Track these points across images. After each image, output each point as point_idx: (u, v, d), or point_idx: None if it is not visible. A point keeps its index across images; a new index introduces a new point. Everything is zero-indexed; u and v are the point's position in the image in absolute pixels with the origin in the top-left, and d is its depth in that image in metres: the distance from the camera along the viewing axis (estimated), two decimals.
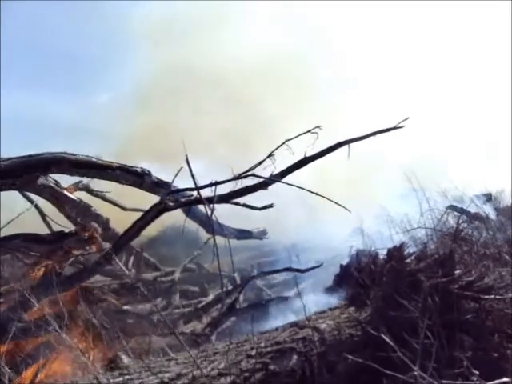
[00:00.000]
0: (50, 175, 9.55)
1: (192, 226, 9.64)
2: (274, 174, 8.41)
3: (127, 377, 4.64)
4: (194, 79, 19.63)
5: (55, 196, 9.53)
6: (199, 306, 10.57)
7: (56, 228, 10.81)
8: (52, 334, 5.48)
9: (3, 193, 9.24)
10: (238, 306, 10.31)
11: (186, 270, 12.22)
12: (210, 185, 8.14)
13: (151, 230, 9.13)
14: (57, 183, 9.53)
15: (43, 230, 10.61)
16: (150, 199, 9.89)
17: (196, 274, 12.56)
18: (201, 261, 12.48)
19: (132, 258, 11.40)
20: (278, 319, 8.29)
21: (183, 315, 10.05)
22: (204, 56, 19.89)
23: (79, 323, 5.41)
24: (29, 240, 8.80)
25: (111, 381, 4.44)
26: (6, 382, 4.52)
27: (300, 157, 8.51)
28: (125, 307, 9.07)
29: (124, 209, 12.59)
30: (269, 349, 5.42)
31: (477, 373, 4.36)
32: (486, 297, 5.65)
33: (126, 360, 5.19)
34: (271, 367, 5.26)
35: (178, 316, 9.81)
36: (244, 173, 8.47)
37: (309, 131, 8.42)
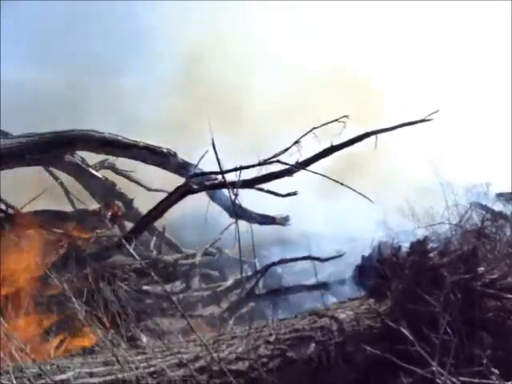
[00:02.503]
0: (77, 152, 9.63)
1: (214, 209, 9.64)
2: (299, 161, 8.41)
3: (146, 356, 4.68)
4: (220, 65, 19.68)
5: (80, 173, 9.61)
6: (218, 290, 10.59)
7: (79, 206, 10.90)
8: (72, 310, 5.51)
9: (29, 168, 9.33)
10: (257, 292, 10.34)
11: (206, 254, 12.22)
12: (235, 169, 8.15)
13: (173, 211, 9.14)
14: (83, 160, 9.61)
15: (67, 207, 10.69)
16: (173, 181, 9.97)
17: (216, 259, 12.57)
18: (221, 245, 12.48)
19: (154, 239, 11.44)
20: (296, 307, 8.30)
21: (202, 298, 10.09)
22: (234, 41, 19.89)
23: (99, 301, 5.45)
24: (53, 216, 8.89)
25: (130, 359, 4.46)
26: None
27: (326, 145, 8.50)
28: (144, 287, 9.12)
29: (148, 189, 12.64)
30: (287, 336, 5.42)
31: (496, 372, 4.32)
32: (509, 296, 5.62)
33: (144, 339, 5.23)
34: (289, 354, 5.27)
35: (197, 299, 9.84)
36: (269, 159, 8.47)
37: (336, 120, 8.40)
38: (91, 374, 4.37)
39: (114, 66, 19.32)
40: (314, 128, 8.44)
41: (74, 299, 4.58)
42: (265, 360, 5.11)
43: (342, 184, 7.96)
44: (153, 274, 5.15)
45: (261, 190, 8.76)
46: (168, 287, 9.49)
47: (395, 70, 19.07)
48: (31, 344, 4.69)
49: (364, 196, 8.00)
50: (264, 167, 8.53)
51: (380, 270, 6.30)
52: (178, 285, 9.99)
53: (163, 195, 9.67)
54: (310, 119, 8.86)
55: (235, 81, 18.99)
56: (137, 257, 5.54)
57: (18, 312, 5.20)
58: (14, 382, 4.00)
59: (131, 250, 6.92)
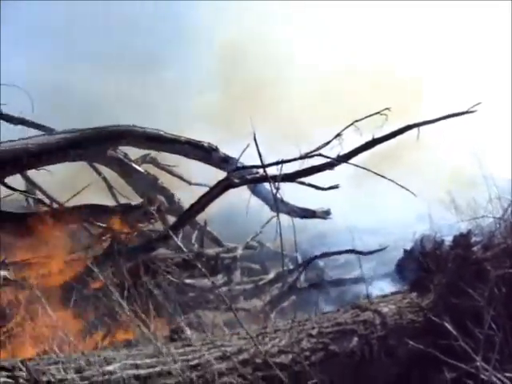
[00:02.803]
0: (119, 147, 9.74)
1: (256, 203, 9.66)
2: (340, 154, 8.38)
3: (189, 348, 4.72)
4: (257, 62, 19.74)
5: (123, 168, 9.71)
6: (260, 283, 10.62)
7: (121, 200, 11.02)
8: (115, 303, 5.60)
9: (72, 164, 9.46)
10: (298, 286, 10.35)
11: (247, 248, 12.26)
12: (276, 163, 8.17)
13: (215, 205, 9.20)
14: (125, 155, 9.71)
15: (109, 202, 10.81)
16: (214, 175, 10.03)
17: (257, 252, 12.60)
18: (263, 239, 12.50)
19: (195, 233, 11.51)
20: (338, 300, 8.30)
21: (244, 292, 10.13)
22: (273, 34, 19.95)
23: (142, 294, 5.52)
24: (96, 211, 9.00)
25: (174, 351, 4.51)
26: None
27: (368, 138, 8.46)
28: (187, 281, 9.20)
29: (189, 183, 12.72)
30: (330, 329, 5.41)
31: None
32: None
33: (188, 332, 5.29)
34: (331, 348, 5.26)
35: (239, 292, 9.89)
36: (311, 152, 8.46)
37: (378, 113, 8.36)
38: (136, 366, 4.42)
39: (155, 62, 19.48)
40: (356, 121, 8.41)
41: (116, 293, 4.63)
42: (307, 353, 5.11)
43: (383, 177, 7.93)
44: (200, 266, 5.17)
45: (302, 183, 8.76)
46: (210, 281, 9.52)
47: (432, 65, 18.92)
48: (78, 335, 4.76)
49: (406, 189, 7.96)
50: (305, 161, 8.54)
51: (423, 264, 6.26)
52: (220, 278, 10.03)
53: (204, 189, 9.75)
54: (349, 113, 8.84)
55: (272, 76, 19.05)
56: (184, 249, 5.58)
57: (64, 304, 5.30)
58: (63, 372, 4.08)
59: (179, 243, 6.99)
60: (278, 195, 8.51)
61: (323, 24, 20.58)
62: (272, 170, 8.25)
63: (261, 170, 8.70)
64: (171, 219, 10.36)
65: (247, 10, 19.88)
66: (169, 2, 19.65)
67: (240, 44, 19.46)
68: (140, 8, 19.16)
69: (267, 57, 19.87)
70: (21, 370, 4.05)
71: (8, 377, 4.01)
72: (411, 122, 8.38)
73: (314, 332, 5.35)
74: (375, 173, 7.95)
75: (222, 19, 20.09)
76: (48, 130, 9.97)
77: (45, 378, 4.04)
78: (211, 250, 11.36)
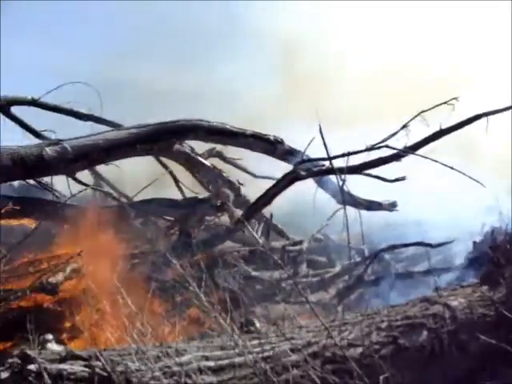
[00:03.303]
0: (186, 141, 9.84)
1: (322, 195, 9.63)
2: (407, 145, 8.29)
3: (260, 341, 4.75)
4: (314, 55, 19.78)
5: (190, 162, 9.80)
6: (326, 276, 10.59)
7: (188, 194, 11.13)
8: (189, 295, 5.67)
9: (139, 158, 9.61)
10: (365, 279, 10.28)
11: (313, 240, 12.25)
12: (343, 155, 8.14)
13: (280, 197, 9.23)
14: (192, 149, 9.80)
15: (176, 196, 10.93)
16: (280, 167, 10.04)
17: (323, 245, 12.56)
18: (328, 232, 12.46)
19: (261, 226, 11.55)
20: (406, 294, 8.20)
21: (310, 284, 10.12)
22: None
23: (213, 287, 5.57)
24: (164, 204, 9.14)
25: (244, 343, 4.55)
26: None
27: (435, 129, 8.34)
28: (254, 273, 9.25)
29: (255, 176, 12.77)
30: (399, 323, 5.36)
31: None
32: None
33: (258, 324, 5.31)
34: (401, 341, 5.21)
35: (305, 285, 9.88)
36: (377, 144, 8.40)
37: (445, 103, 8.23)
38: (207, 358, 4.48)
39: (214, 58, 19.64)
40: (423, 111, 8.30)
41: (193, 284, 4.70)
42: (377, 347, 5.07)
43: (452, 168, 7.80)
44: (276, 259, 5.19)
45: (368, 175, 8.71)
46: (276, 274, 9.55)
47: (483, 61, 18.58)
48: (151, 327, 4.84)
49: (475, 180, 7.82)
50: (371, 152, 8.48)
51: (493, 257, 6.14)
52: (286, 271, 10.04)
53: (270, 182, 9.78)
54: (412, 106, 8.74)
55: (332, 69, 19.03)
56: (260, 241, 5.62)
57: (137, 295, 5.40)
58: (137, 362, 4.16)
59: (255, 235, 7.02)
60: (344, 187, 8.50)
61: (373, 22, 20.50)
62: (338, 162, 8.24)
63: (327, 163, 8.70)
64: (237, 212, 10.42)
65: (301, 8, 19.96)
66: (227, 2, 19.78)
67: (294, 41, 19.53)
68: (201, 8, 19.34)
69: (320, 54, 19.90)
70: (97, 359, 4.16)
71: (85, 366, 4.12)
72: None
73: (384, 325, 5.30)
74: (443, 164, 7.83)
75: (277, 18, 20.16)
76: (116, 126, 10.15)
77: (120, 368, 4.13)
78: (277, 243, 11.39)
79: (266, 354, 4.59)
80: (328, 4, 19.59)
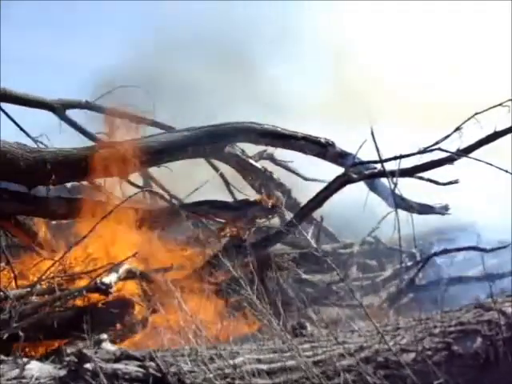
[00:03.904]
0: (237, 144, 9.89)
1: (373, 198, 9.58)
2: (460, 148, 8.18)
3: (311, 344, 4.74)
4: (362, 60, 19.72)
5: (241, 164, 9.85)
6: (377, 280, 10.51)
7: (238, 196, 11.17)
8: (241, 297, 5.70)
9: (191, 161, 9.70)
10: (417, 283, 10.18)
11: (364, 244, 12.18)
12: (394, 158, 8.07)
13: (331, 200, 9.20)
14: (243, 152, 9.84)
15: (227, 198, 10.98)
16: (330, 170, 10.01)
17: (374, 248, 12.48)
18: (379, 235, 12.38)
19: (311, 228, 11.53)
20: (458, 299, 8.09)
21: (361, 288, 10.06)
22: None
23: (264, 289, 5.58)
24: (215, 206, 9.17)
25: (296, 347, 4.54)
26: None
27: (489, 131, 8.20)
28: (305, 276, 9.24)
29: (305, 179, 12.76)
30: (452, 329, 5.27)
31: None
32: None
33: (310, 328, 5.31)
34: (454, 348, 5.12)
35: (356, 288, 9.82)
36: (429, 146, 8.31)
37: (499, 104, 8.08)
38: (259, 361, 4.49)
39: (264, 60, 19.69)
40: (476, 113, 8.17)
41: (246, 287, 4.72)
42: (430, 353, 5.00)
43: (506, 172, 7.66)
44: (330, 262, 5.18)
45: (421, 178, 8.62)
46: (327, 277, 9.53)
47: None
48: (206, 328, 4.88)
49: None
50: (424, 155, 8.38)
51: None
52: (336, 274, 9.99)
53: (320, 185, 9.76)
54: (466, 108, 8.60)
55: (383, 73, 18.93)
56: (313, 244, 5.61)
57: (190, 297, 5.46)
58: (190, 364, 4.20)
59: (308, 237, 7.02)
60: (396, 190, 8.42)
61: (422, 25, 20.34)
62: (390, 165, 8.17)
63: (378, 165, 8.64)
64: (288, 215, 10.43)
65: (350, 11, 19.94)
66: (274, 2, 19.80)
67: (346, 44, 19.50)
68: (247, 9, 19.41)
69: (372, 57, 19.83)
70: (151, 360, 4.21)
71: (139, 366, 4.18)
72: None
73: (437, 331, 5.23)
74: (497, 167, 7.70)
75: (329, 20, 20.14)
76: (168, 128, 10.27)
77: (173, 369, 4.17)
78: (327, 246, 11.37)
79: (317, 357, 4.58)
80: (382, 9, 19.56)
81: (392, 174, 8.08)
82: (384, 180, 8.93)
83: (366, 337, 5.03)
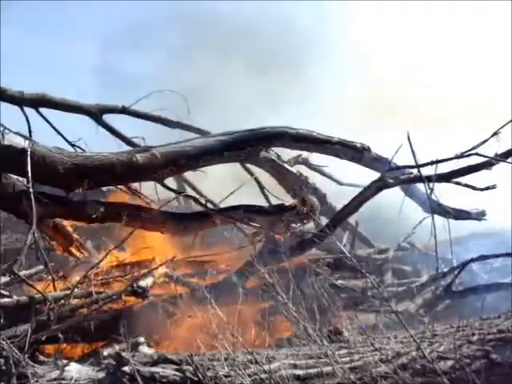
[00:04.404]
0: (272, 148, 9.88)
1: (408, 203, 9.51)
2: (498, 153, 8.10)
3: (348, 350, 4.72)
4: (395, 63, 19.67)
5: (276, 169, 9.83)
6: (412, 285, 10.40)
7: (273, 201, 11.16)
8: (273, 301, 5.70)
9: (228, 165, 9.71)
10: (454, 289, 10.05)
11: (399, 249, 12.09)
12: (431, 163, 8.02)
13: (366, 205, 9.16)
14: (278, 156, 9.82)
15: (261, 203, 10.98)
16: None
17: (409, 254, 12.39)
18: (415, 240, 12.28)
19: (346, 233, 11.49)
20: (496, 306, 7.99)
21: (396, 294, 9.97)
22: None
23: (300, 294, 5.59)
24: (251, 211, 9.17)
25: (332, 352, 4.53)
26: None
27: None
28: (340, 282, 9.19)
29: (340, 183, 12.72)
30: (491, 336, 5.21)
31: None
32: None
33: (346, 334, 5.28)
34: (493, 356, 5.06)
35: (391, 295, 9.75)
36: (467, 151, 8.23)
37: None
38: (295, 366, 4.48)
39: (300, 62, 19.69)
40: None
41: (281, 292, 4.72)
42: (468, 361, 4.95)
43: None
44: (362, 269, 5.17)
45: (458, 183, 8.53)
46: (361, 282, 9.48)
47: None
48: (240, 333, 4.89)
49: None
50: (461, 160, 8.31)
51: None
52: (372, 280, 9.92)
53: (355, 190, 9.71)
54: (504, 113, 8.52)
55: (419, 77, 18.84)
56: (347, 253, 5.60)
57: (227, 301, 5.48)
58: (226, 369, 4.21)
59: (343, 244, 6.98)
60: (433, 196, 8.36)
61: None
62: (427, 170, 8.12)
63: (415, 170, 8.58)
64: (324, 220, 10.39)
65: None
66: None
67: (383, 48, 19.45)
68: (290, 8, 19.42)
69: (408, 61, 19.75)
70: (188, 364, 4.23)
71: (176, 370, 4.21)
72: None
73: (475, 338, 5.17)
74: None
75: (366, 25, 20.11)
76: (204, 133, 10.31)
77: (210, 374, 4.19)
78: (362, 252, 11.30)
79: (354, 364, 4.56)
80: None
81: (428, 179, 8.02)
82: (420, 185, 8.88)
83: (402, 343, 5.00)
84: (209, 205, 9.74)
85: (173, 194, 9.46)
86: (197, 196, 9.87)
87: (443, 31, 20.21)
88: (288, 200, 9.78)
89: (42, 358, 4.61)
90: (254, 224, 9.36)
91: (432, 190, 8.11)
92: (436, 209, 8.56)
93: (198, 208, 9.65)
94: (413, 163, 8.32)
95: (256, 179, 11.19)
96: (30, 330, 4.36)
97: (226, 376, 4.16)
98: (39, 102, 9.50)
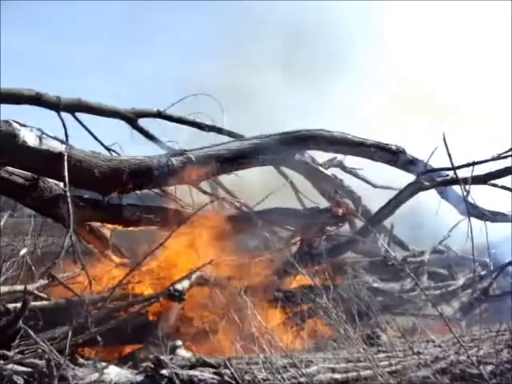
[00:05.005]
0: (306, 151, 9.87)
1: (444, 206, 9.42)
2: None
3: (386, 354, 4.69)
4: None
5: (311, 172, 9.82)
6: (449, 289, 10.28)
7: (307, 204, 11.13)
8: (311, 304, 5.69)
9: (258, 169, 9.73)
10: (491, 293, 9.92)
11: (435, 252, 11.94)
12: (467, 165, 7.94)
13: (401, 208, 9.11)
14: (313, 159, 9.81)
15: (296, 205, 10.96)
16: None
17: (445, 257, 12.23)
18: (451, 243, 12.14)
19: (381, 236, 11.40)
20: None
21: (432, 297, 9.86)
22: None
23: (337, 297, 5.57)
24: (285, 214, 9.18)
25: (370, 356, 4.50)
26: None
27: None
28: (376, 284, 9.13)
29: (374, 186, 12.64)
30: None
31: None
32: None
33: (384, 337, 5.25)
34: None
35: (427, 298, 9.64)
36: (504, 153, 8.16)
37: None
38: (333, 370, 4.46)
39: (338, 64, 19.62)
40: None
41: (321, 294, 4.71)
42: (508, 366, 4.88)
43: None
44: (408, 271, 5.12)
45: (494, 185, 8.45)
46: (397, 285, 9.40)
47: None
48: (279, 336, 4.90)
49: None
50: (497, 162, 8.23)
51: None
52: (407, 283, 9.83)
53: (390, 192, 9.66)
54: None
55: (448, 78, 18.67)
56: (392, 253, 5.57)
57: (263, 304, 5.48)
58: (264, 372, 4.21)
59: (382, 246, 6.91)
60: (469, 198, 8.27)
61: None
62: (463, 172, 8.03)
63: (451, 173, 8.51)
64: (359, 223, 10.35)
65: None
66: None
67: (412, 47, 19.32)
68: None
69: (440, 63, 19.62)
70: (226, 368, 4.24)
71: (214, 373, 4.22)
72: None
73: None
74: None
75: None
76: (238, 137, 10.33)
77: (248, 377, 4.19)
78: (398, 254, 11.20)
79: (393, 368, 4.52)
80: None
81: (465, 181, 7.95)
82: (456, 187, 8.81)
83: (441, 347, 4.95)
84: (244, 208, 9.78)
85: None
86: (232, 199, 9.86)
87: (483, 29, 19.98)
88: (323, 203, 9.77)
89: (81, 360, 4.63)
90: (289, 227, 9.38)
91: (468, 192, 8.03)
92: (472, 211, 8.47)
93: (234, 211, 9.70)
94: (448, 165, 8.24)
95: (291, 182, 11.18)
96: (70, 333, 4.39)
97: (263, 380, 4.16)
98: (75, 107, 9.59)
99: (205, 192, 9.36)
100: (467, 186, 8.05)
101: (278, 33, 19.47)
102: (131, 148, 10.58)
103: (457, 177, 8.05)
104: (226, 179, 10.76)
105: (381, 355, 4.67)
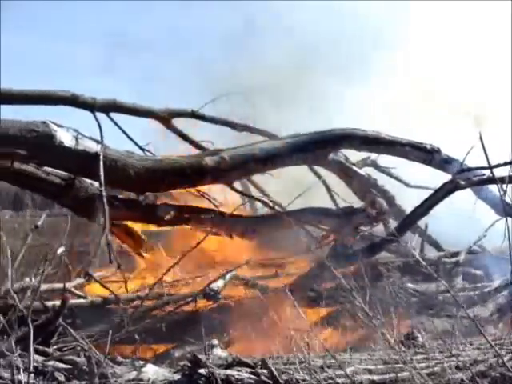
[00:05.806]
0: (340, 150, 9.83)
1: (480, 205, 9.31)
2: None
3: (424, 356, 4.64)
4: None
5: (344, 171, 9.76)
6: (484, 290, 10.16)
7: (340, 203, 11.09)
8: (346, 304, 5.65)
9: (293, 168, 9.70)
10: None
11: (470, 253, 11.81)
12: (505, 164, 7.83)
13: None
14: (346, 158, 9.77)
15: (329, 205, 10.91)
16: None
17: (480, 258, 12.09)
18: (487, 244, 11.99)
19: (416, 236, 11.32)
20: None
21: (467, 299, 9.75)
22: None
23: (372, 298, 5.52)
24: (318, 213, 9.16)
25: (408, 358, 4.46)
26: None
27: None
28: (409, 285, 9.07)
29: (408, 185, 12.56)
30: None
31: None
32: None
33: (421, 339, 5.20)
34: None
35: (462, 299, 9.54)
36: None
37: None
38: (370, 371, 4.43)
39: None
40: None
41: (357, 296, 4.68)
42: None
43: None
44: (434, 274, 5.08)
45: None
46: (432, 286, 9.31)
47: None
48: (315, 336, 4.87)
49: None
50: None
51: None
52: (442, 284, 9.73)
53: (424, 192, 9.57)
54: None
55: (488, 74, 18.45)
56: (419, 258, 5.53)
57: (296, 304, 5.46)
58: (301, 372, 4.20)
59: (413, 247, 6.82)
60: (506, 197, 8.14)
61: None
62: (500, 171, 7.92)
63: (487, 172, 8.40)
64: (393, 222, 10.28)
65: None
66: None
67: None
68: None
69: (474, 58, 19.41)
70: (263, 367, 4.23)
71: (251, 373, 4.21)
72: None
73: None
74: None
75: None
76: (270, 135, 10.33)
77: (285, 377, 4.19)
78: (432, 255, 11.10)
79: (430, 370, 4.47)
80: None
81: (502, 180, 7.83)
82: (493, 187, 8.69)
83: (479, 350, 4.89)
84: (277, 208, 9.76)
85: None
86: (265, 199, 9.84)
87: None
88: (356, 203, 9.72)
89: (119, 358, 4.67)
90: (322, 227, 9.34)
91: (505, 191, 7.92)
92: (509, 211, 8.34)
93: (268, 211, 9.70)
94: (484, 164, 8.14)
95: (324, 182, 11.15)
96: (110, 331, 4.42)
97: (301, 380, 4.15)
98: (110, 108, 9.64)
99: (239, 192, 9.36)
100: (504, 186, 7.94)
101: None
102: (164, 148, 10.65)
103: (494, 176, 7.93)
104: (258, 179, 10.77)
105: (418, 357, 4.63)
